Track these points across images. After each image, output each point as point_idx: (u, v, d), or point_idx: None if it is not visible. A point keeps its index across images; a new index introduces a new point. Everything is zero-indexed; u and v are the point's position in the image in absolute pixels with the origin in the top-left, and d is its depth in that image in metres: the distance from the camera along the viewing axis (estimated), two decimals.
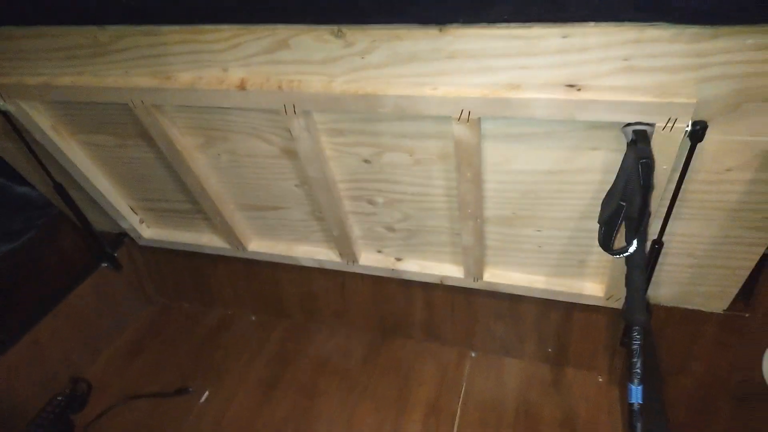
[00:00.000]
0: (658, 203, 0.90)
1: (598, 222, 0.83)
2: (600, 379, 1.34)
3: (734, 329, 1.11)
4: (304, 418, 1.30)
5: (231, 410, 1.33)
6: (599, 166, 0.94)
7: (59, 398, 1.33)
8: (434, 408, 1.30)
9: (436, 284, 1.33)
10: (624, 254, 0.82)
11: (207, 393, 1.38)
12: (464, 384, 1.36)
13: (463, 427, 1.25)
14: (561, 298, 1.22)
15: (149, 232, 1.50)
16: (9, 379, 1.26)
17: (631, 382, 0.82)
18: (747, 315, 1.09)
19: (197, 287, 1.62)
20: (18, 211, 1.43)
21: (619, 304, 1.18)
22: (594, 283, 1.18)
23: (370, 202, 1.18)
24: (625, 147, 0.82)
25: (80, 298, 1.43)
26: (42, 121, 1.17)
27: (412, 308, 1.43)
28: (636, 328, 0.83)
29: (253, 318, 1.61)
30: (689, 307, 1.11)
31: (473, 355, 1.44)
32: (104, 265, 1.50)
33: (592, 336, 1.30)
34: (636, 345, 0.83)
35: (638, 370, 0.82)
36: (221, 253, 1.45)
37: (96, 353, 1.50)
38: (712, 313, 1.11)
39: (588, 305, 1.23)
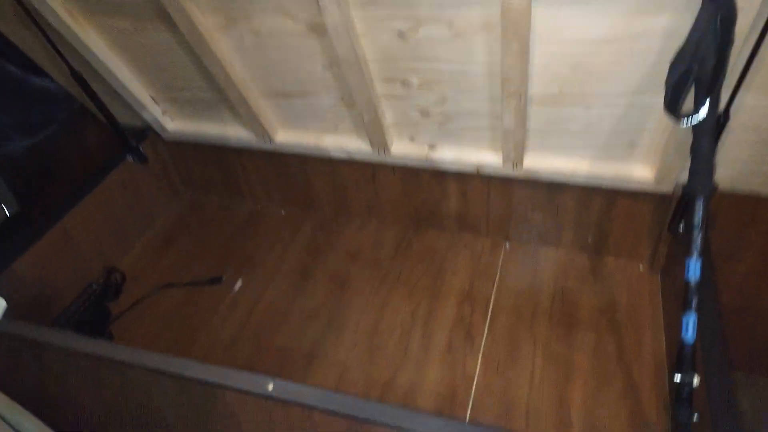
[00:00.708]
0: (729, 69, 0.81)
1: (665, 85, 0.75)
2: (641, 268, 1.31)
3: None
4: (338, 305, 1.31)
5: (265, 298, 1.34)
6: (661, 30, 0.84)
7: (94, 286, 1.35)
8: (468, 295, 1.30)
9: (471, 174, 1.27)
10: (692, 119, 0.74)
11: (240, 282, 1.39)
12: (498, 272, 1.34)
13: (497, 312, 1.25)
14: (606, 184, 1.16)
15: (173, 124, 1.45)
16: (44, 266, 1.27)
17: (690, 256, 0.78)
18: None
19: (225, 181, 1.59)
20: (36, 104, 1.39)
21: (669, 188, 1.12)
22: (644, 165, 1.11)
23: (405, 83, 1.10)
24: (693, 7, 0.72)
25: (107, 191, 1.41)
26: (55, 3, 1.09)
27: (445, 200, 1.38)
28: (700, 198, 0.77)
29: (283, 212, 1.59)
30: (745, 189, 1.05)
31: (507, 245, 1.41)
32: (129, 158, 1.47)
33: (634, 224, 1.25)
34: (699, 217, 0.77)
35: (698, 244, 0.77)
36: (248, 145, 1.41)
37: (128, 245, 1.51)
38: None
39: (633, 191, 1.18)
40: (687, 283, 0.79)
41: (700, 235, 0.78)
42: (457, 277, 1.34)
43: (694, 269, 0.78)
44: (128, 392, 1.01)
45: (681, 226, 1.12)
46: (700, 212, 0.78)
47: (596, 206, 1.25)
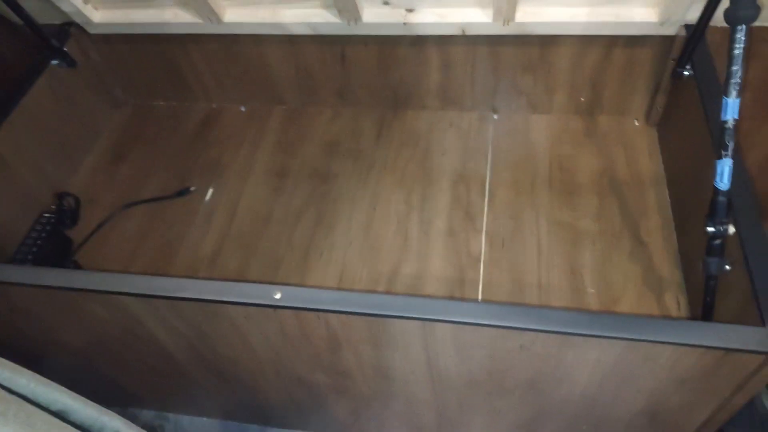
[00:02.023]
0: None
1: None
2: (636, 123, 1.25)
3: None
4: (325, 200, 1.20)
5: (242, 204, 1.22)
6: None
7: (46, 215, 1.20)
8: (461, 175, 1.21)
9: (455, 37, 1.14)
10: None
11: (211, 191, 1.26)
12: (490, 147, 1.25)
13: (495, 188, 1.17)
14: (605, 31, 1.05)
15: (99, 14, 1.22)
16: None
17: (727, 95, 0.70)
18: None
19: (171, 80, 1.39)
20: None
21: (672, 30, 1.03)
22: (646, 6, 1.00)
23: None
24: None
25: (36, 103, 1.21)
26: None
27: (425, 72, 1.25)
28: (743, 27, 0.68)
29: (243, 108, 1.42)
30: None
31: (495, 117, 1.31)
32: (54, 62, 1.25)
33: (631, 76, 1.17)
34: (740, 49, 0.68)
35: (739, 80, 0.69)
36: (192, 31, 1.21)
37: (73, 166, 1.33)
38: None
39: (632, 38, 1.08)
40: (723, 125, 0.71)
41: (741, 69, 0.69)
42: (447, 158, 1.25)
43: (732, 109, 0.71)
44: (115, 321, 0.91)
45: (687, 69, 1.04)
46: (742, 42, 0.69)
47: (591, 60, 1.15)
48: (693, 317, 0.95)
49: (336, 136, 1.33)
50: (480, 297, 1.02)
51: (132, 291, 0.82)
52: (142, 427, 0.61)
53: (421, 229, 1.13)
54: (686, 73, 1.04)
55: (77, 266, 1.15)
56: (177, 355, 1.01)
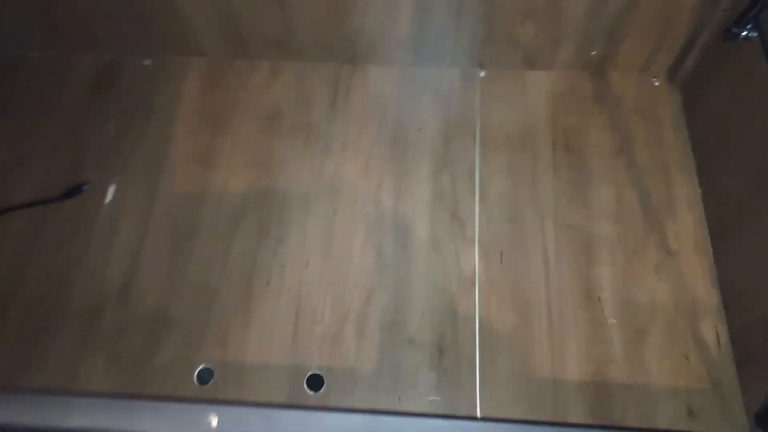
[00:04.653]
0: None
1: None
2: (656, 83, 1.00)
3: None
4: (268, 200, 0.92)
5: (157, 207, 0.92)
6: None
7: None
8: (444, 159, 0.95)
9: None
10: None
11: (113, 188, 0.94)
12: (478, 118, 0.98)
13: (488, 178, 0.93)
14: None
15: None
16: None
17: None
18: None
19: (47, 22, 1.01)
20: None
21: None
22: None
23: None
24: None
25: None
26: None
27: (393, 17, 0.93)
28: None
29: (148, 62, 1.06)
30: None
31: (482, 75, 1.02)
32: None
33: (659, 26, 0.90)
34: None
35: None
36: None
37: None
38: None
39: None
40: None
41: None
42: (424, 136, 0.97)
43: None
44: None
45: (748, 29, 0.78)
46: None
47: (615, 4, 0.87)
48: (734, 355, 0.78)
49: (277, 104, 1.01)
50: (477, 329, 0.81)
51: None
52: None
53: (396, 239, 0.88)
54: (746, 34, 0.78)
55: None
56: None
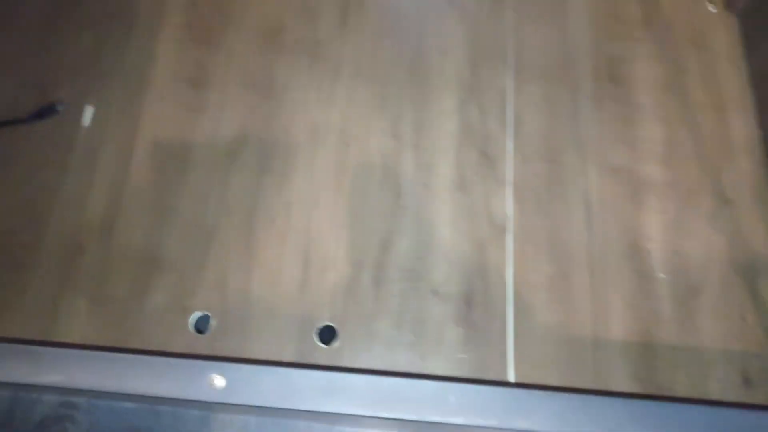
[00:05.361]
0: None
1: None
2: (712, 8, 0.88)
3: None
4: (270, 127, 0.80)
5: (142, 132, 0.80)
6: None
7: None
8: (472, 88, 0.83)
9: None
10: None
11: (91, 109, 0.81)
12: (511, 42, 0.86)
13: (521, 110, 0.82)
14: None
15: None
16: None
17: None
18: None
19: None
20: None
21: None
22: None
23: None
24: None
25: None
26: None
27: None
28: None
29: None
30: None
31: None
32: None
33: None
34: None
35: None
36: None
37: None
38: None
39: None
40: None
41: None
42: (449, 60, 0.85)
43: None
44: None
45: None
46: None
47: None
48: None
49: (278, 18, 0.88)
50: (509, 293, 0.72)
51: None
52: None
53: (417, 178, 0.78)
54: None
55: None
56: None
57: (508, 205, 0.76)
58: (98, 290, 0.71)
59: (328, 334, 0.70)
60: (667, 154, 0.79)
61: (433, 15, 0.87)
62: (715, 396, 0.65)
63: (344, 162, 0.78)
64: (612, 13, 0.87)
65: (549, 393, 0.57)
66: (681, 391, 0.67)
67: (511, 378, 0.67)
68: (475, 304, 0.71)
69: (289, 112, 0.81)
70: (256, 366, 0.49)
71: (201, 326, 0.70)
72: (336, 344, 0.69)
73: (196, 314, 0.70)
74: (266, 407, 0.49)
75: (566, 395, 0.56)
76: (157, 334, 0.69)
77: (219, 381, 0.45)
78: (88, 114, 0.81)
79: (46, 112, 0.81)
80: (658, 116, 0.81)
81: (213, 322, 0.70)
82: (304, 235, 0.74)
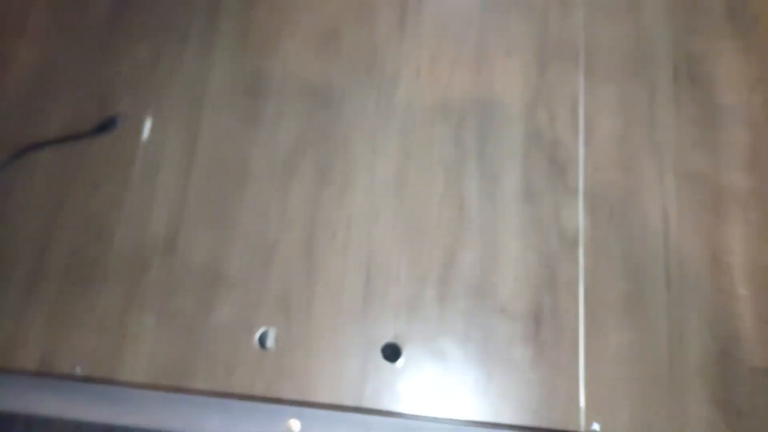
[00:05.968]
0: None
1: None
2: None
3: None
4: (328, 138, 0.79)
5: (201, 145, 0.80)
6: None
7: None
8: (538, 90, 0.79)
9: None
10: None
11: (149, 121, 0.81)
12: (582, 38, 0.81)
13: (592, 113, 0.77)
14: None
15: None
16: None
17: None
18: None
19: None
20: None
21: None
22: None
23: None
24: None
25: None
26: None
27: None
28: None
29: None
30: None
31: None
32: None
33: None
34: None
35: None
36: None
37: None
38: None
39: None
40: None
41: None
42: (513, 62, 0.81)
43: None
44: None
45: None
46: None
47: None
48: None
49: (333, 20, 0.85)
50: (581, 310, 0.69)
51: None
52: None
53: (482, 188, 0.75)
54: None
55: None
56: None
57: (579, 217, 0.72)
58: (164, 306, 0.72)
59: (392, 352, 0.68)
60: (751, 160, 0.73)
61: (496, 12, 0.83)
62: None
63: (404, 173, 0.76)
64: (691, 5, 0.81)
65: None
66: (762, 416, 0.63)
67: (582, 402, 0.64)
68: (544, 322, 0.68)
69: (347, 120, 0.79)
70: (332, 411, 0.48)
71: (265, 341, 0.70)
72: (400, 363, 0.68)
73: (261, 329, 0.70)
74: None
75: None
76: (223, 350, 0.70)
77: (295, 426, 0.44)
78: (146, 127, 0.81)
79: (107, 125, 0.81)
80: (743, 118, 0.75)
81: (277, 337, 0.70)
82: (366, 250, 0.73)
